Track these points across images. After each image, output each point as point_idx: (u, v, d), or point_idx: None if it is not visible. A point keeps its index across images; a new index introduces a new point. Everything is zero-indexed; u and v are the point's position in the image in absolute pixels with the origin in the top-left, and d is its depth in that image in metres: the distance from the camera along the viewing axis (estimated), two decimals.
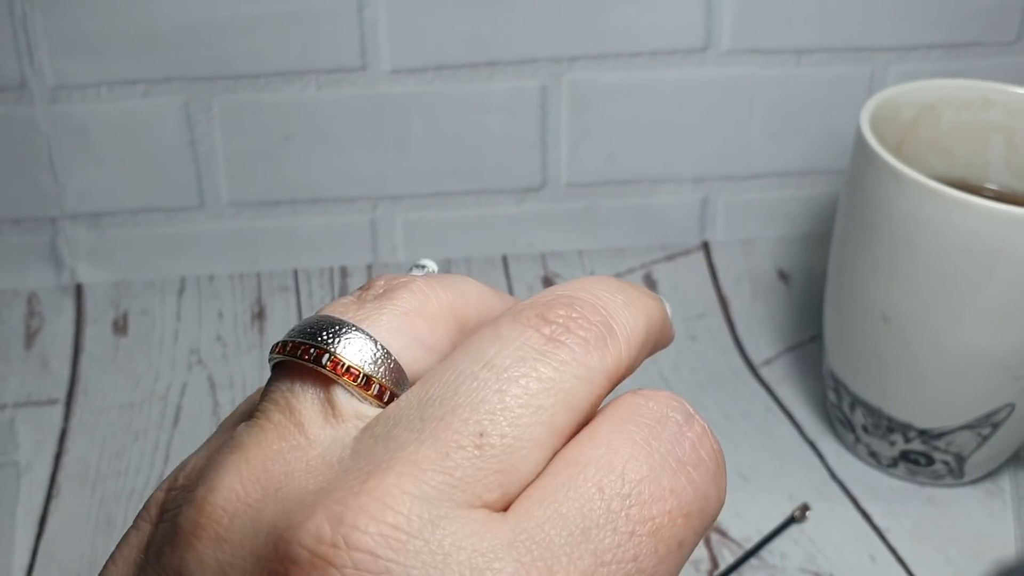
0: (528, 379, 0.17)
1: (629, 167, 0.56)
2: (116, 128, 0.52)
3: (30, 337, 0.53)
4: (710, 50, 0.54)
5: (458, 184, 0.55)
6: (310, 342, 0.18)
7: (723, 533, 0.43)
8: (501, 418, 0.17)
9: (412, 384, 0.19)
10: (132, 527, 0.19)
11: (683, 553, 0.18)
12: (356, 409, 0.18)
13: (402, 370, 0.19)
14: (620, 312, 0.19)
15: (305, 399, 0.18)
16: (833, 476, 0.47)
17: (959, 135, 0.47)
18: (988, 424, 0.43)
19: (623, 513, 0.17)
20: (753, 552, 0.43)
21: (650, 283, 0.57)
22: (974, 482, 0.46)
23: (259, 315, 0.54)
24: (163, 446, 0.47)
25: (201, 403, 0.50)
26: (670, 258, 0.58)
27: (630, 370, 0.19)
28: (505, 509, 0.17)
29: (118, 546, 0.19)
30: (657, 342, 0.21)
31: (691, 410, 0.19)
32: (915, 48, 0.55)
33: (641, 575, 0.17)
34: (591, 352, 0.18)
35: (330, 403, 0.18)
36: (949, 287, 0.40)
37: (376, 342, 0.18)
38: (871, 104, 0.44)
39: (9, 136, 0.51)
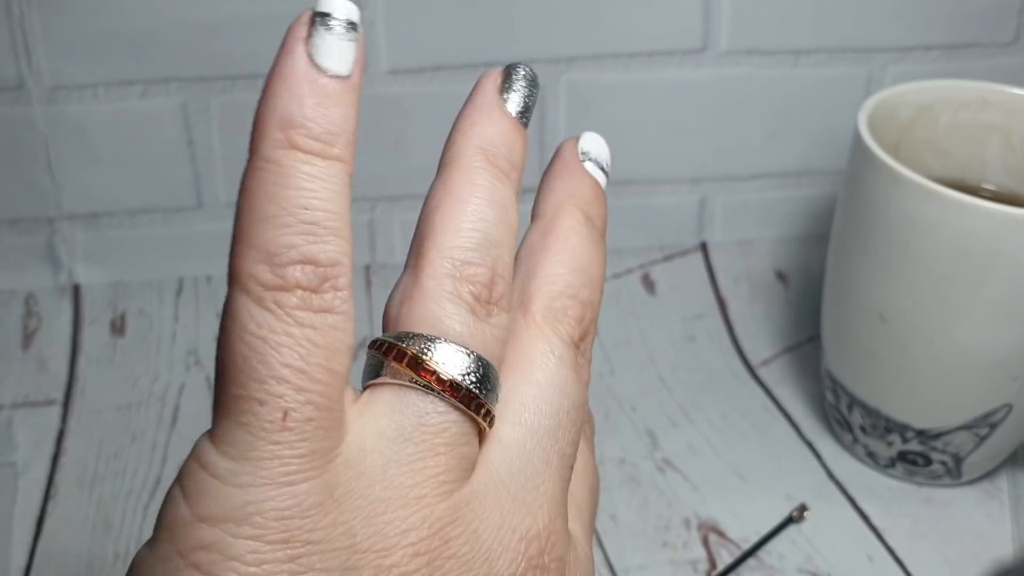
0: (576, 389, 0.23)
1: (627, 167, 0.56)
2: (114, 128, 0.52)
3: (27, 338, 0.53)
4: (708, 51, 0.54)
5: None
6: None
7: (721, 533, 0.43)
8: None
9: None
10: None
11: None
12: (467, 430, 0.21)
13: (498, 384, 0.21)
14: (593, 291, 0.25)
15: (435, 427, 0.20)
16: (831, 476, 0.47)
17: (957, 136, 0.47)
18: (986, 424, 0.43)
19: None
20: (751, 552, 0.43)
21: (648, 283, 0.57)
22: (972, 482, 0.46)
23: None
24: (161, 447, 0.47)
25: (199, 404, 0.50)
26: (668, 259, 0.58)
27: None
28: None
29: None
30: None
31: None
32: (913, 49, 0.55)
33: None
34: (587, 337, 0.24)
35: (448, 429, 0.20)
36: (947, 287, 0.40)
37: (481, 360, 0.20)
38: (869, 105, 0.44)
39: (6, 136, 0.51)
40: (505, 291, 0.21)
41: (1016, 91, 0.46)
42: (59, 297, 0.55)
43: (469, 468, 0.20)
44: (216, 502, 0.17)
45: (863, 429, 0.46)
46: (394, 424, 0.19)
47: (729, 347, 0.54)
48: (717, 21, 0.53)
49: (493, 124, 0.23)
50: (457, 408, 0.19)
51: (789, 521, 0.44)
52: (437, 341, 0.19)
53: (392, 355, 0.19)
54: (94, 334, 0.53)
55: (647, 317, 0.55)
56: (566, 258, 0.23)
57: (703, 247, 0.59)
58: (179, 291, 0.55)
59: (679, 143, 0.56)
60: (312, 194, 0.17)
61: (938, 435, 0.44)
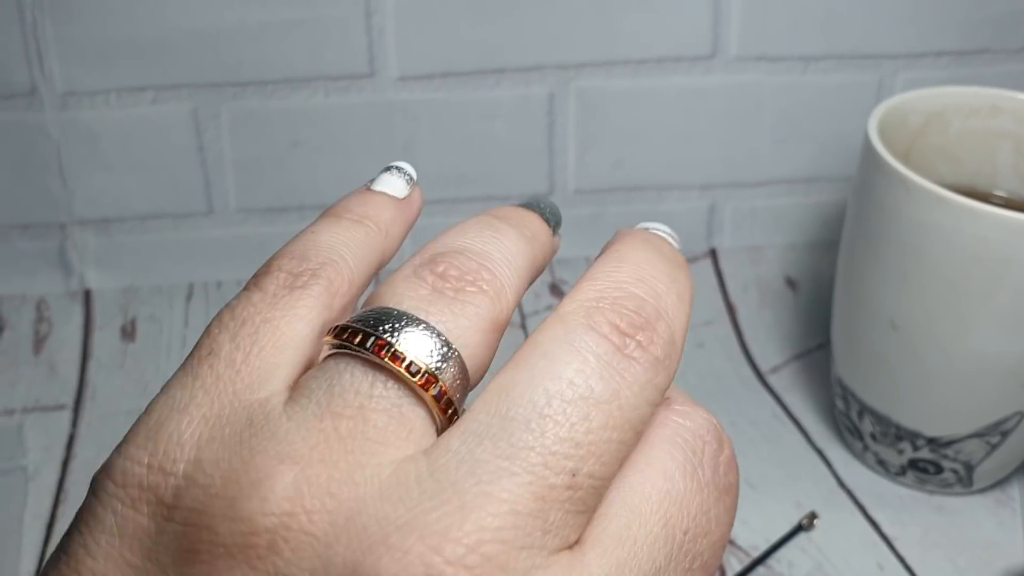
0: (611, 407, 0.16)
1: (636, 174, 0.56)
2: (125, 134, 0.52)
3: (39, 343, 0.53)
4: (717, 57, 0.54)
5: (465, 191, 0.55)
6: (373, 331, 0.16)
7: (731, 541, 0.43)
8: (589, 455, 0.16)
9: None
10: (99, 504, 0.16)
11: None
12: (421, 417, 0.16)
13: (468, 381, 0.17)
14: (674, 308, 0.18)
15: (379, 401, 0.16)
16: (841, 484, 0.46)
17: (967, 142, 0.47)
18: (997, 432, 0.43)
19: (684, 549, 0.16)
20: (761, 560, 0.42)
21: None
22: (983, 491, 0.46)
23: None
24: None
25: None
26: None
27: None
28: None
29: (83, 529, 0.16)
30: None
31: (721, 430, 0.18)
32: (923, 55, 0.55)
33: None
34: (660, 370, 0.17)
35: (399, 409, 0.16)
36: (958, 294, 0.40)
37: (450, 346, 0.17)
38: (879, 111, 0.44)
39: (19, 142, 0.52)
40: (492, 281, 0.18)
41: None
42: (70, 302, 0.55)
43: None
44: None
45: (873, 437, 0.46)
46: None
47: (738, 354, 0.54)
48: (726, 28, 0.53)
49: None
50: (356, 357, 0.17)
51: (799, 529, 0.44)
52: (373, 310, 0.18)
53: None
54: (105, 339, 0.53)
55: None
56: (622, 264, 0.19)
57: (712, 253, 0.59)
58: (189, 296, 0.55)
59: (688, 149, 0.56)
60: (326, 228, 0.20)
61: (949, 443, 0.44)
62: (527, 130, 0.54)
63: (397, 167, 0.22)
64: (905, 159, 0.45)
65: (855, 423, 0.47)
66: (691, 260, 0.58)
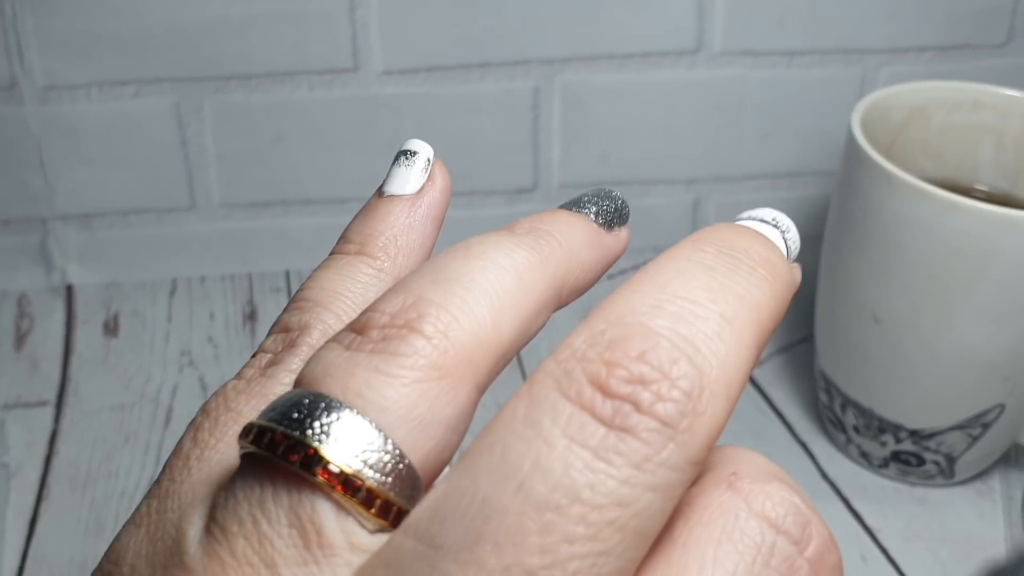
0: (581, 507, 0.12)
1: (621, 168, 0.56)
2: (107, 129, 0.52)
3: (20, 338, 0.53)
4: (702, 52, 0.54)
5: (451, 194, 0.55)
6: (286, 430, 0.13)
7: None
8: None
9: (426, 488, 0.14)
10: None
11: None
12: (349, 535, 0.13)
13: (415, 473, 0.13)
14: (714, 348, 0.13)
15: (280, 522, 0.13)
16: (824, 476, 0.47)
17: (949, 137, 0.47)
18: (978, 424, 0.43)
19: None
20: None
21: None
22: (964, 482, 0.46)
23: (251, 316, 0.54)
24: (154, 448, 0.47)
25: (192, 405, 0.50)
26: None
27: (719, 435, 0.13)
28: None
29: None
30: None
31: (809, 514, 0.13)
32: (906, 50, 0.55)
33: None
34: (672, 441, 0.12)
35: (314, 526, 0.13)
36: (940, 288, 0.40)
37: (382, 434, 0.13)
38: (862, 106, 0.44)
39: None
40: (433, 316, 0.14)
41: (1008, 92, 0.46)
42: (52, 298, 0.54)
43: None
44: None
45: (856, 429, 0.46)
46: None
47: None
48: (711, 22, 0.53)
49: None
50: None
51: None
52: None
53: None
54: (87, 335, 0.53)
55: None
56: (640, 285, 0.13)
57: None
58: (172, 291, 0.55)
59: (673, 144, 0.56)
60: (314, 279, 0.18)
61: (931, 435, 0.44)
62: (512, 124, 0.54)
63: (407, 152, 0.20)
64: (888, 153, 0.45)
65: (838, 416, 0.47)
66: None
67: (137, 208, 0.54)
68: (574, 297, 0.16)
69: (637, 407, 0.12)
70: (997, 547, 0.43)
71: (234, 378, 0.17)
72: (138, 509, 0.15)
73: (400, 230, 0.19)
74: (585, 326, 0.13)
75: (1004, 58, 0.56)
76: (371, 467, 0.13)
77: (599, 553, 0.12)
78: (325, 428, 0.13)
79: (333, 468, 0.13)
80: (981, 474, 0.47)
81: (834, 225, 0.45)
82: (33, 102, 0.51)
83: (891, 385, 0.44)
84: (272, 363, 0.17)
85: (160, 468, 0.46)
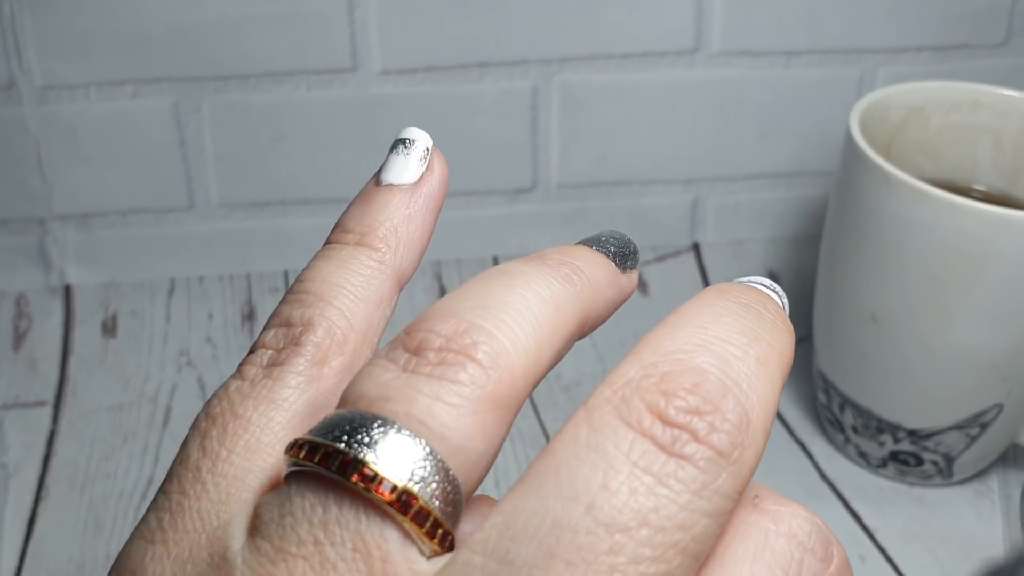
0: (649, 532, 0.12)
1: (620, 168, 0.56)
2: (105, 129, 0.52)
3: (18, 338, 0.53)
4: (700, 52, 0.54)
5: (449, 185, 0.55)
6: (347, 449, 0.13)
7: None
8: None
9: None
10: None
11: None
12: (412, 562, 0.13)
13: (462, 500, 0.14)
14: (751, 378, 0.14)
15: (345, 546, 0.13)
16: (823, 476, 0.47)
17: (948, 137, 0.47)
18: (977, 424, 0.43)
19: None
20: None
21: (641, 284, 0.57)
22: (963, 482, 0.46)
23: (249, 316, 0.54)
24: (152, 448, 0.47)
25: (191, 405, 0.50)
26: (660, 259, 0.58)
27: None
28: None
29: None
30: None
31: (828, 535, 0.14)
32: (904, 50, 0.55)
33: None
34: (725, 468, 0.13)
35: (381, 553, 0.13)
36: (938, 288, 0.40)
37: (443, 462, 0.13)
38: (860, 106, 0.44)
39: None
40: (487, 344, 0.14)
41: (1006, 92, 0.46)
42: (50, 298, 0.54)
43: None
44: None
45: (855, 429, 0.46)
46: None
47: None
48: (709, 22, 0.53)
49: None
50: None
51: None
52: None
53: None
54: (85, 335, 0.53)
55: (640, 318, 0.55)
56: (681, 326, 0.14)
57: (695, 248, 0.59)
58: (171, 291, 0.55)
59: (671, 144, 0.56)
60: (313, 270, 0.18)
61: (929, 435, 0.44)
62: (510, 124, 0.54)
63: (405, 141, 0.19)
64: (886, 153, 0.45)
65: (837, 416, 0.47)
66: (674, 254, 0.59)
67: (136, 208, 0.54)
68: (589, 331, 0.17)
69: (695, 436, 0.13)
70: (995, 547, 0.43)
71: (235, 377, 0.16)
72: (146, 522, 0.15)
73: (400, 220, 0.19)
74: (634, 358, 0.14)
75: (1002, 58, 0.56)
76: (432, 495, 0.13)
77: (663, 574, 0.12)
78: (388, 451, 0.13)
79: (396, 493, 0.13)
80: (979, 474, 0.47)
81: (833, 225, 0.45)
82: (31, 102, 0.51)
83: (889, 385, 0.44)
84: (275, 363, 0.16)
85: (158, 468, 0.46)
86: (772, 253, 0.59)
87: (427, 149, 0.20)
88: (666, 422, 0.13)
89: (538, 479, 0.13)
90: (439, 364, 0.14)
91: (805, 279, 0.56)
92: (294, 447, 0.14)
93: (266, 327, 0.17)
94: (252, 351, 0.17)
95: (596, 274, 0.17)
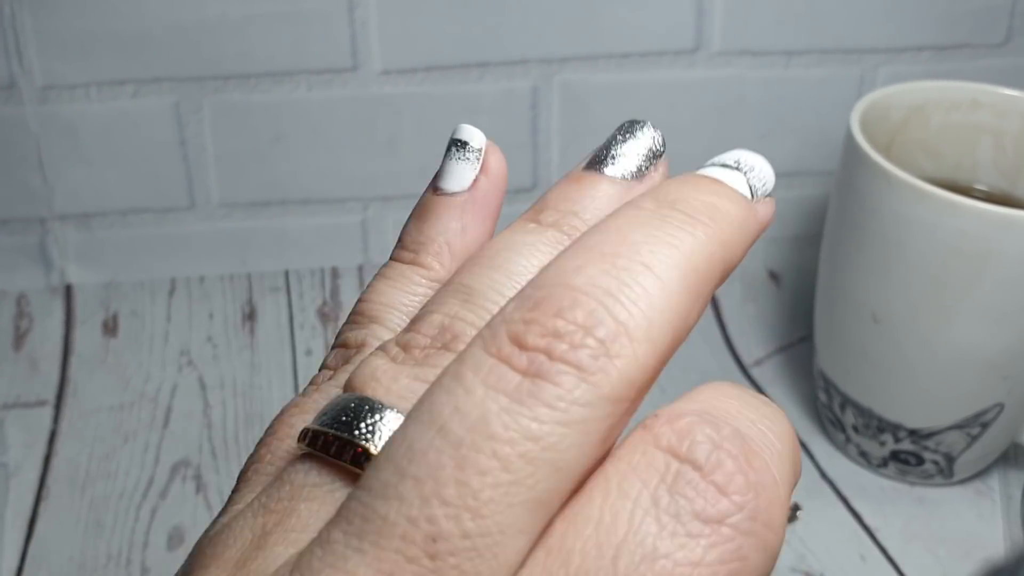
0: (495, 443, 0.13)
1: None
2: (106, 128, 0.52)
3: (19, 338, 0.53)
4: (700, 51, 0.54)
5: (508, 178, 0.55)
6: (338, 434, 0.14)
7: None
8: (462, 511, 0.12)
9: None
10: None
11: None
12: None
13: None
14: (637, 295, 0.14)
15: (312, 490, 0.15)
16: (824, 476, 0.47)
17: (948, 136, 0.47)
18: (977, 424, 0.43)
19: None
20: None
21: None
22: (963, 482, 0.46)
23: (250, 316, 0.54)
24: (153, 448, 0.47)
25: (191, 404, 0.50)
26: None
27: (656, 372, 0.14)
28: None
29: None
30: (723, 271, 0.15)
31: (723, 438, 0.14)
32: (904, 50, 0.55)
33: None
34: (584, 382, 0.13)
35: (334, 494, 0.15)
36: (939, 287, 0.40)
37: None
38: (861, 105, 0.44)
39: None
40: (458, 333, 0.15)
41: (1007, 92, 0.46)
42: (51, 297, 0.54)
43: None
44: None
45: (856, 429, 0.46)
46: None
47: (722, 347, 0.54)
48: (710, 22, 0.53)
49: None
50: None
51: None
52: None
53: None
54: (86, 335, 0.53)
55: None
56: (571, 249, 0.14)
57: None
58: (171, 291, 0.55)
59: (672, 143, 0.56)
60: (371, 291, 0.19)
61: (930, 435, 0.44)
62: (511, 124, 0.54)
63: (458, 143, 0.19)
64: (887, 153, 0.45)
65: (837, 415, 0.47)
66: None
67: (136, 208, 0.54)
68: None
69: (550, 356, 0.13)
70: (996, 547, 0.43)
71: (298, 394, 0.18)
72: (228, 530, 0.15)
73: (453, 234, 0.19)
74: (518, 294, 0.14)
75: (1002, 58, 0.56)
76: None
77: (510, 483, 0.13)
78: (371, 427, 0.14)
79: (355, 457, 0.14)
80: (980, 473, 0.47)
81: (833, 225, 0.45)
82: (32, 102, 0.51)
83: (890, 384, 0.44)
84: (328, 380, 0.17)
85: (158, 468, 0.46)
86: (772, 253, 0.59)
87: (481, 150, 0.20)
88: (524, 347, 0.13)
89: (409, 415, 0.14)
90: (411, 357, 0.15)
91: (806, 279, 0.56)
92: (304, 437, 0.15)
93: (330, 349, 0.18)
94: (317, 373, 0.18)
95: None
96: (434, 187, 0.20)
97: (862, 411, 0.45)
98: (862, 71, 0.55)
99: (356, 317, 0.18)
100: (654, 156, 0.19)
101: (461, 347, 0.15)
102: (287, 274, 0.56)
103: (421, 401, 0.13)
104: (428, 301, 0.17)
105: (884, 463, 0.46)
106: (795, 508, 0.44)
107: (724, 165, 0.17)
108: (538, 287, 0.14)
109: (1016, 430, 0.44)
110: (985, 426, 0.43)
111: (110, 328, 0.53)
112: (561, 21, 0.52)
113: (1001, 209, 0.38)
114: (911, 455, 0.45)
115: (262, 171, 0.54)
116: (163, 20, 0.49)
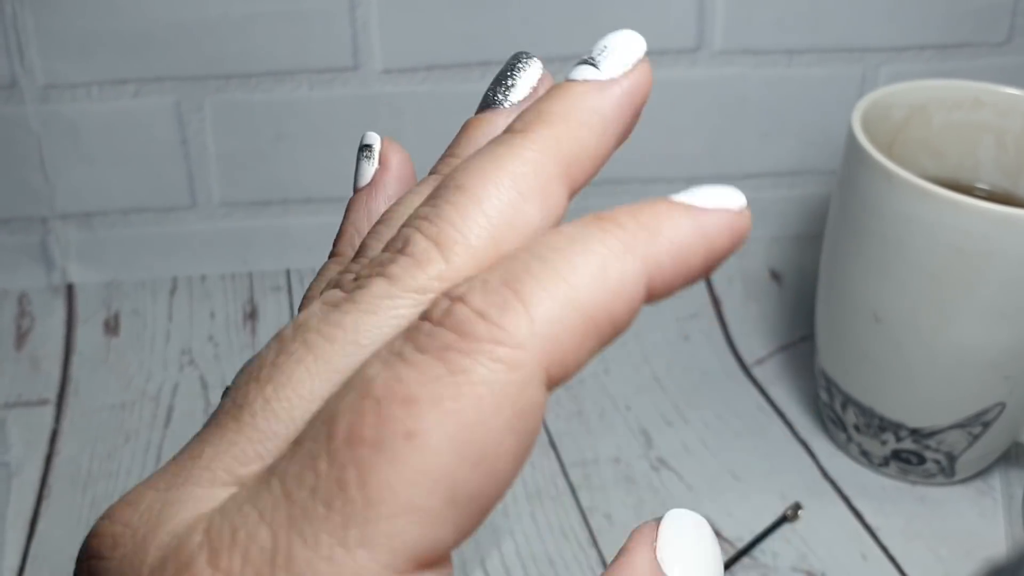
0: (302, 331, 0.16)
1: (621, 167, 0.56)
2: (107, 128, 0.52)
3: (21, 337, 0.53)
4: (702, 50, 0.54)
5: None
6: None
7: (715, 532, 0.43)
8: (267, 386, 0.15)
9: None
10: None
11: None
12: None
13: None
14: (445, 214, 0.16)
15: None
16: (825, 475, 0.47)
17: (950, 135, 0.47)
18: (979, 423, 0.43)
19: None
20: (745, 551, 0.43)
21: None
22: (965, 481, 0.46)
23: (251, 315, 0.54)
24: (154, 447, 0.47)
25: (193, 404, 0.50)
26: None
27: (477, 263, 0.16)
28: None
29: None
30: None
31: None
32: (906, 49, 0.55)
33: None
34: (391, 283, 0.16)
35: None
36: (940, 287, 0.40)
37: None
38: (862, 104, 0.44)
39: None
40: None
41: (1009, 91, 0.46)
42: (52, 296, 0.54)
43: None
44: None
45: (857, 428, 0.46)
46: None
47: (723, 346, 0.54)
48: (711, 21, 0.53)
49: None
50: None
51: (783, 520, 0.44)
52: None
53: None
54: (87, 334, 0.53)
55: (641, 316, 0.55)
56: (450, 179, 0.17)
57: None
58: (173, 290, 0.55)
59: (673, 142, 0.56)
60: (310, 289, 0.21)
61: (931, 434, 0.44)
62: None
63: (363, 147, 0.23)
64: (888, 152, 0.45)
65: (839, 414, 0.47)
66: None
67: (137, 207, 0.54)
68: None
69: (370, 274, 0.16)
70: (998, 546, 0.43)
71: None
72: None
73: (361, 221, 0.21)
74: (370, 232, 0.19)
75: (1004, 56, 0.56)
76: None
77: (310, 358, 0.16)
78: None
79: None
80: (982, 473, 0.47)
81: (835, 224, 0.45)
82: (33, 101, 0.51)
83: (891, 384, 0.44)
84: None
85: (160, 466, 0.46)
86: (774, 252, 0.59)
87: (373, 147, 0.23)
88: (347, 270, 0.17)
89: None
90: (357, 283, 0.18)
91: (807, 278, 0.56)
92: None
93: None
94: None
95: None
96: (354, 188, 0.22)
97: (863, 410, 0.45)
98: (864, 70, 0.55)
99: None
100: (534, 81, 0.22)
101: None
102: (288, 273, 0.56)
103: None
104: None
105: (885, 462, 0.46)
106: (796, 507, 0.44)
107: (580, 63, 0.20)
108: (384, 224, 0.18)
109: (1017, 429, 0.44)
110: (986, 425, 0.43)
111: (111, 327, 0.53)
112: (562, 20, 0.52)
113: (1003, 208, 0.38)
114: (912, 454, 0.45)
115: (263, 170, 0.54)
116: (164, 19, 0.49)
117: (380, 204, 0.21)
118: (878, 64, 0.55)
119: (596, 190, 0.57)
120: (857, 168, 0.42)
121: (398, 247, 0.16)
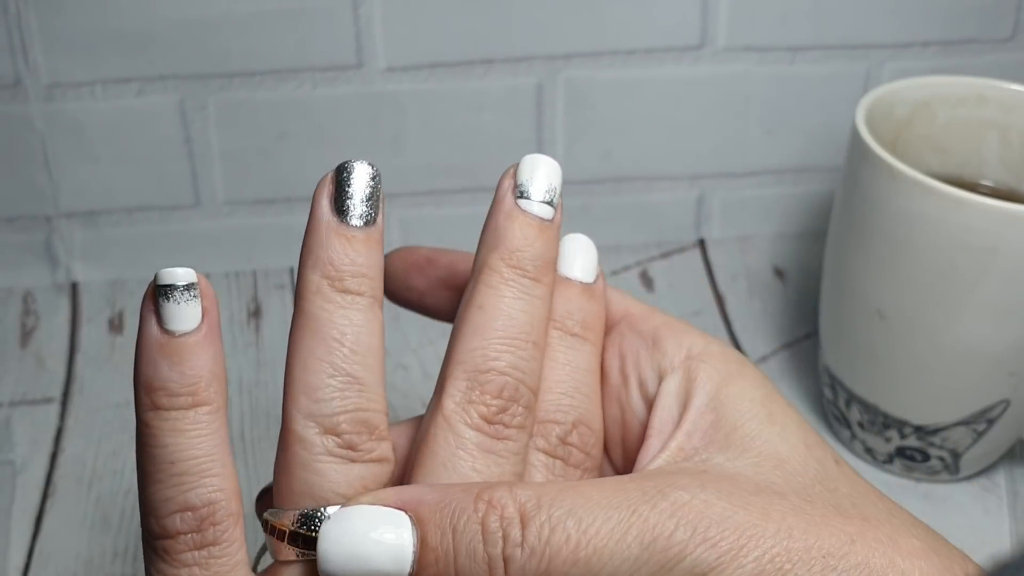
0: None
1: (625, 165, 0.56)
2: (111, 126, 0.52)
3: (25, 336, 0.53)
4: (706, 47, 0.54)
5: (454, 182, 0.55)
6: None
7: None
8: None
9: None
10: None
11: None
12: None
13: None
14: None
15: None
16: None
17: (954, 132, 0.47)
18: (983, 420, 0.43)
19: None
20: None
21: (646, 280, 0.57)
22: (969, 478, 0.46)
23: (255, 313, 0.54)
24: None
25: None
26: (666, 255, 0.58)
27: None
28: None
29: None
30: None
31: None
32: (910, 45, 0.55)
33: None
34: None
35: None
36: (945, 284, 0.40)
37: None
38: (866, 101, 0.44)
39: (3, 134, 0.51)
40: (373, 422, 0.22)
41: (1013, 87, 0.46)
42: (57, 295, 0.55)
43: None
44: None
45: (861, 425, 0.46)
46: None
47: (727, 343, 0.54)
48: (715, 18, 0.53)
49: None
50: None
51: None
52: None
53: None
54: (92, 332, 0.53)
55: None
56: (485, 323, 0.21)
57: (701, 244, 0.59)
58: None
59: (677, 140, 0.56)
60: (176, 447, 0.20)
61: (936, 431, 0.44)
62: (515, 121, 0.54)
63: (168, 288, 0.21)
64: (892, 149, 0.45)
65: (843, 412, 0.47)
66: (680, 251, 0.58)
67: (142, 205, 0.54)
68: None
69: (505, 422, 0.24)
70: (1002, 543, 0.43)
71: (160, 559, 0.22)
72: None
73: (216, 363, 0.22)
74: (463, 351, 0.23)
75: (1009, 53, 0.55)
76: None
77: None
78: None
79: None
80: (986, 470, 0.47)
81: (838, 221, 0.45)
82: (37, 100, 0.51)
83: (896, 381, 0.44)
84: (195, 545, 0.21)
85: None
86: (778, 249, 0.59)
87: (193, 283, 0.22)
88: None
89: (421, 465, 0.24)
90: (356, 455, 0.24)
91: (811, 275, 0.55)
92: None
93: (164, 513, 0.22)
94: (167, 536, 0.21)
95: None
96: (165, 330, 0.21)
97: (867, 407, 0.45)
98: (868, 67, 0.55)
99: (180, 478, 0.21)
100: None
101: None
102: (292, 271, 0.56)
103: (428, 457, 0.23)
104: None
105: (890, 459, 0.46)
106: None
107: (542, 202, 0.24)
108: (452, 362, 0.24)
109: (1022, 426, 0.44)
110: (991, 422, 0.43)
111: (116, 325, 0.54)
112: (566, 17, 0.52)
113: (1008, 205, 0.38)
114: (917, 451, 0.45)
115: (267, 168, 0.54)
116: (168, 18, 0.50)
117: (218, 340, 0.22)
118: (882, 61, 0.55)
119: (601, 188, 0.57)
120: (861, 165, 0.42)
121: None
